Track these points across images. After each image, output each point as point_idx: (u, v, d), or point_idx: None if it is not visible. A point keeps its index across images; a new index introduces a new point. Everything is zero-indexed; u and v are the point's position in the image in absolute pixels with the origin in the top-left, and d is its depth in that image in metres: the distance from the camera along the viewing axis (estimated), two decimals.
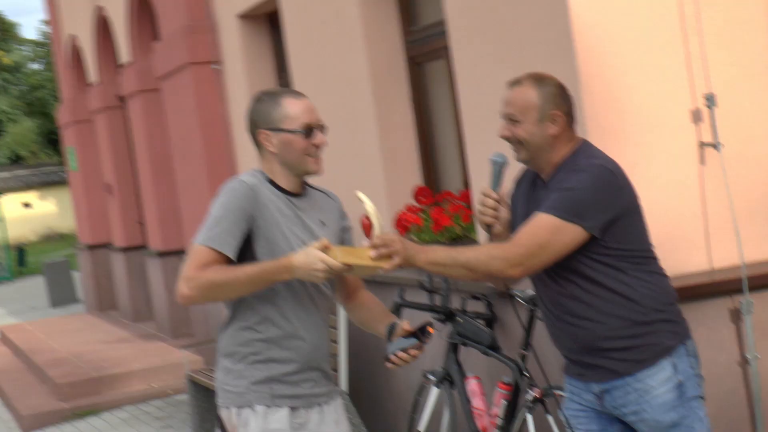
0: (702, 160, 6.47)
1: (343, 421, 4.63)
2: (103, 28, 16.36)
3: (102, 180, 18.25)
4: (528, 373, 6.38)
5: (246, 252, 4.28)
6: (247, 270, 4.18)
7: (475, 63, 7.30)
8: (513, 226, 4.74)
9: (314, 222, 4.50)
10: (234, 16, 11.32)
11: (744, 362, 6.41)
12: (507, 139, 4.65)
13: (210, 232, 4.23)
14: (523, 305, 6.43)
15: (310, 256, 4.10)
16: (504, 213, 4.68)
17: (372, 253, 4.13)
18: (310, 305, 4.44)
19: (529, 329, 6.43)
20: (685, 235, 6.42)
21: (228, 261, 4.22)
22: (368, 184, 8.89)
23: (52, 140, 54.22)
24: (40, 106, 55.40)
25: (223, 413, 4.46)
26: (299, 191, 4.49)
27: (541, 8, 6.52)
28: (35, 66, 58.63)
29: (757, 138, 6.64)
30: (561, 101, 4.69)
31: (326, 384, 4.57)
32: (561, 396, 6.15)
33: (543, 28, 6.52)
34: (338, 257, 4.13)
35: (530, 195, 4.80)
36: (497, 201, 4.62)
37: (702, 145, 6.45)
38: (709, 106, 6.42)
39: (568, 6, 6.23)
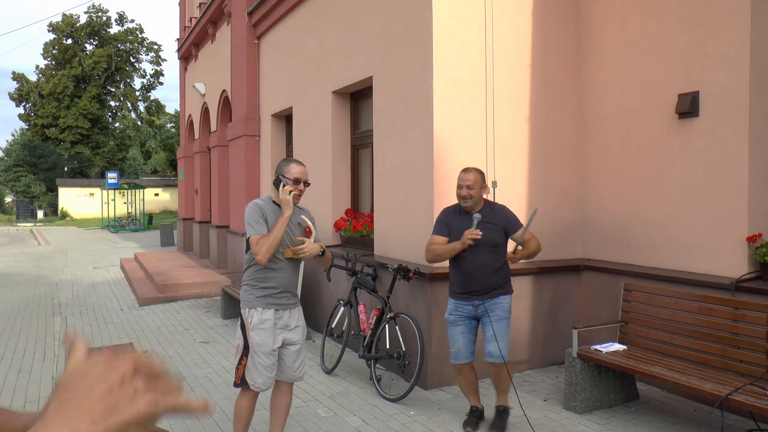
0: None
1: (301, 317, 4.59)
2: (205, 112, 16.14)
3: (193, 187, 17.93)
4: (389, 304, 6.33)
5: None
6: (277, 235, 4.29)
7: (383, 150, 7.27)
8: (450, 236, 4.96)
9: (294, 223, 4.48)
10: (269, 114, 11.23)
11: None
12: (465, 196, 4.88)
13: (254, 228, 4.28)
14: (390, 272, 6.39)
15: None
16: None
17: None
18: (288, 261, 4.43)
19: (392, 284, 6.35)
20: None
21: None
22: (325, 204, 8.86)
23: (172, 164, 53.39)
24: (169, 146, 54.48)
25: (242, 311, 4.44)
26: None
27: (419, 128, 6.47)
28: (170, 125, 57.72)
29: (514, 204, 6.59)
30: (485, 180, 5.01)
31: (294, 299, 4.54)
32: (404, 317, 6.18)
33: (419, 136, 6.49)
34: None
35: (460, 219, 4.98)
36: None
37: None
38: (493, 186, 6.47)
39: (433, 130, 6.23)
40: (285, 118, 11.22)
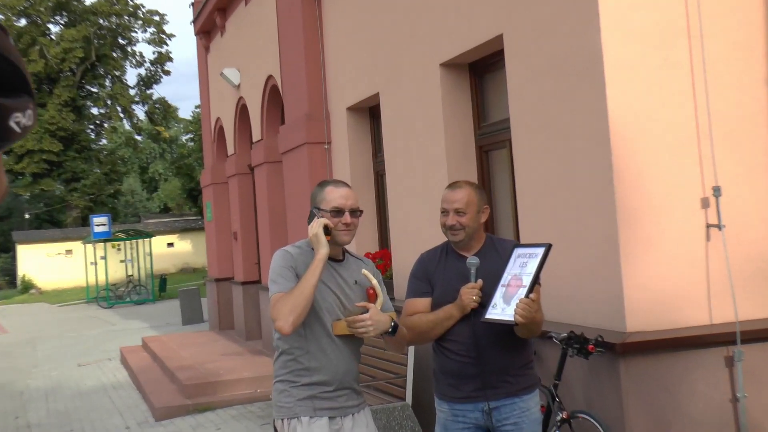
0: (708, 238, 6.43)
1: (371, 424, 4.77)
2: (242, 113, 16.64)
3: (230, 229, 18.49)
4: (558, 397, 6.32)
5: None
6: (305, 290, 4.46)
7: (528, 149, 7.35)
8: (434, 294, 4.97)
9: (347, 281, 4.67)
10: (343, 108, 11.48)
11: (735, 400, 6.36)
12: (454, 226, 4.90)
13: (277, 284, 4.48)
14: (557, 344, 6.38)
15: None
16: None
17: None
18: (342, 341, 4.61)
19: (561, 363, 6.34)
20: (688, 296, 6.39)
21: None
22: (441, 235, 8.95)
23: (192, 195, 55.19)
24: (186, 169, 56.31)
25: (277, 424, 4.67)
26: (339, 258, 4.69)
27: (584, 111, 6.54)
28: (187, 137, 59.70)
29: (755, 223, 6.59)
30: (487, 200, 5.03)
31: (357, 398, 4.72)
32: (584, 419, 6.18)
33: (585, 127, 6.54)
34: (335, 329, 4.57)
35: (447, 267, 5.01)
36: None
37: (708, 226, 6.42)
38: (715, 196, 6.39)
39: (607, 113, 6.27)
40: (368, 112, 11.46)
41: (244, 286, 17.06)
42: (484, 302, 4.79)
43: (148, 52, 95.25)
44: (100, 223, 38.45)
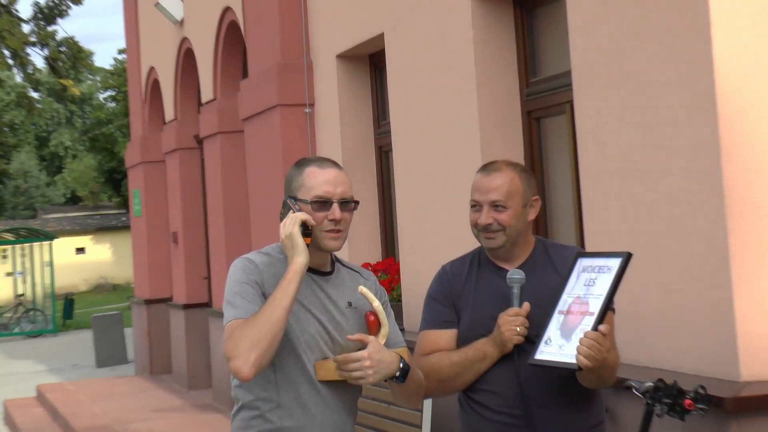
0: None
1: None
2: (186, 60, 16.75)
3: (167, 228, 18.47)
4: None
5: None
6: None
7: (600, 118, 7.35)
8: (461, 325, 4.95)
9: (337, 304, 4.59)
10: (332, 54, 11.53)
11: None
12: (490, 226, 4.87)
13: (234, 307, 4.38)
14: (638, 397, 6.33)
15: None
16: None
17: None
18: (330, 390, 4.52)
19: (645, 424, 6.31)
20: None
21: None
22: (467, 244, 8.99)
23: (113, 179, 54.73)
24: (104, 141, 55.96)
25: None
26: (325, 269, 4.62)
27: (681, 65, 6.53)
28: (106, 94, 59.38)
29: None
30: (536, 188, 5.05)
31: None
32: None
33: (682, 87, 6.54)
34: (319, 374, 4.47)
35: (479, 284, 5.02)
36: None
37: None
38: None
39: (713, 64, 6.24)
40: (369, 62, 11.56)
41: (186, 311, 17.06)
42: (533, 336, 4.75)
43: None
44: None
